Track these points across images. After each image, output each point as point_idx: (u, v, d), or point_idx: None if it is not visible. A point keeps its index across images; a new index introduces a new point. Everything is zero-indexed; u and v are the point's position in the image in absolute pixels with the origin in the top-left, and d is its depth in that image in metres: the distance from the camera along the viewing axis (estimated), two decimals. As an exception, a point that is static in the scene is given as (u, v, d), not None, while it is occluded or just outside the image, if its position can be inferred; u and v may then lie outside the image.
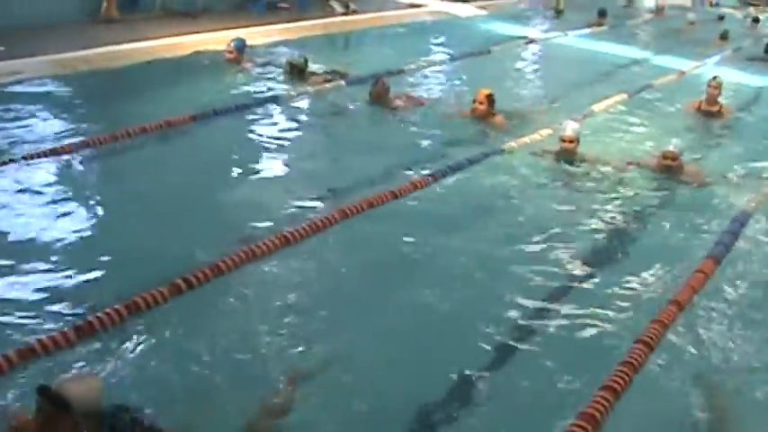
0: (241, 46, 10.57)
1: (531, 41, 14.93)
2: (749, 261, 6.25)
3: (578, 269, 5.82)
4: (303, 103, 9.43)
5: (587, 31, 16.72)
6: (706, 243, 6.38)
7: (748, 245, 6.51)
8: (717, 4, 23.15)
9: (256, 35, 12.37)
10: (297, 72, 10.17)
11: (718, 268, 5.97)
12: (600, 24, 18.18)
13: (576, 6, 20.11)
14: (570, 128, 8.27)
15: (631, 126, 9.80)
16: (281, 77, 10.20)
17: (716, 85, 10.35)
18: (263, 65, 10.68)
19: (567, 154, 8.07)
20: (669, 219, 6.97)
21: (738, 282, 5.90)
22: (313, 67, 10.51)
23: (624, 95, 11.06)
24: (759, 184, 7.95)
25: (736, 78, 13.85)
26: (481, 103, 8.96)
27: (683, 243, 6.47)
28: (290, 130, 8.48)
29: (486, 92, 9.02)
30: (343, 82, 10.18)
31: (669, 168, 7.83)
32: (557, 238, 6.29)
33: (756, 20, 21.97)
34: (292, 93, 9.56)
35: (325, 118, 9.10)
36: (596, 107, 10.32)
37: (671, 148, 7.92)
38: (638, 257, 6.15)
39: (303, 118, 8.99)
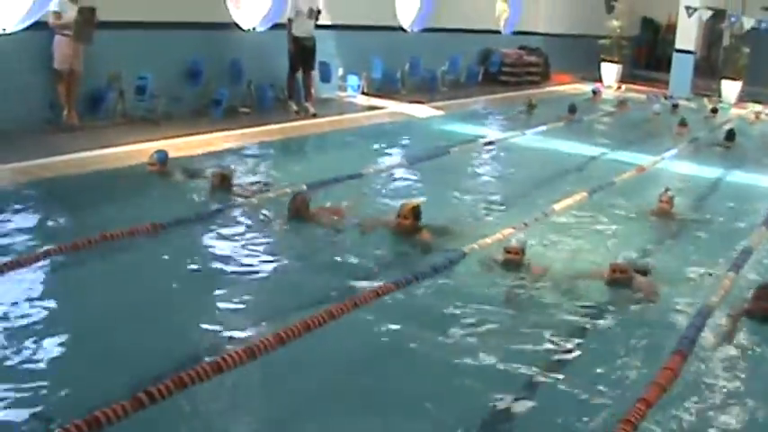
0: (164, 158, 10.97)
1: (490, 142, 15.99)
2: (715, 354, 6.97)
3: (536, 378, 6.28)
4: (226, 217, 9.59)
5: (545, 128, 17.89)
6: (669, 343, 6.92)
7: (713, 339, 7.22)
8: (671, 97, 25.21)
9: (216, 140, 13.46)
10: (223, 184, 10.44)
11: (685, 363, 6.56)
12: (570, 119, 19.86)
13: (544, 102, 21.72)
14: (515, 238, 8.81)
15: (586, 230, 10.44)
16: (206, 190, 10.47)
17: (667, 200, 11.19)
18: (189, 176, 11.03)
19: (513, 264, 8.47)
20: (623, 327, 7.40)
21: (706, 375, 6.60)
22: (244, 177, 11.21)
23: (584, 194, 11.95)
24: (717, 282, 8.69)
25: (694, 170, 15.41)
26: (406, 217, 9.16)
27: (643, 345, 7.06)
28: (210, 246, 8.69)
29: (412, 205, 9.30)
30: (271, 194, 10.48)
31: (619, 281, 8.19)
32: (507, 350, 6.63)
33: (714, 110, 24.07)
34: (217, 206, 9.87)
35: (247, 234, 9.11)
36: (552, 209, 11.02)
37: (620, 260, 8.33)
38: (595, 364, 6.61)
39: (225, 232, 9.08)
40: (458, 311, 7.40)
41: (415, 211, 9.24)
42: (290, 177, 11.67)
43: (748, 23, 25.80)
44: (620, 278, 8.20)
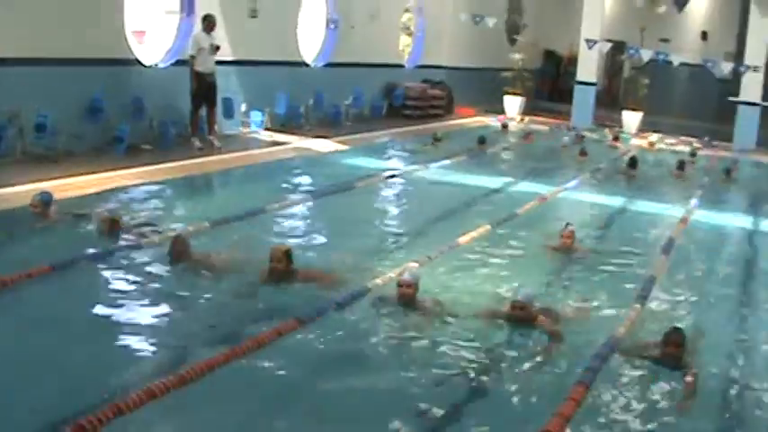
0: (48, 199, 10.61)
1: (394, 175, 16.20)
2: (619, 382, 7.19)
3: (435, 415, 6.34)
4: (110, 262, 9.29)
5: (450, 161, 18.22)
6: (572, 376, 7.08)
7: (618, 369, 7.46)
8: (574, 128, 25.93)
9: (117, 178, 13.37)
10: (111, 227, 10.15)
11: (587, 393, 6.75)
12: (481, 151, 20.37)
13: (450, 135, 22.17)
14: (408, 272, 8.78)
15: (489, 264, 10.52)
16: (93, 233, 10.20)
17: (568, 235, 11.35)
18: (77, 218, 10.76)
19: (406, 300, 8.36)
20: (523, 363, 7.46)
21: (611, 404, 6.81)
22: (138, 218, 11.06)
23: (487, 227, 12.16)
24: (620, 313, 8.92)
25: (596, 199, 15.93)
26: (279, 261, 8.91)
27: (547, 380, 7.19)
28: (93, 292, 8.48)
29: (284, 249, 9.06)
30: (156, 238, 10.17)
31: (519, 318, 8.20)
32: (400, 392, 6.65)
33: (616, 139, 24.90)
34: (100, 250, 9.50)
35: (130, 278, 8.81)
36: (455, 243, 11.16)
37: (519, 297, 8.31)
38: (495, 400, 6.73)
39: (108, 277, 8.83)
40: (348, 352, 7.38)
41: (288, 255, 8.99)
42: (187, 216, 11.64)
43: (647, 55, 26.61)
44: (520, 315, 8.21)
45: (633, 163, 19.48)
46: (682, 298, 10.01)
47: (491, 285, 9.71)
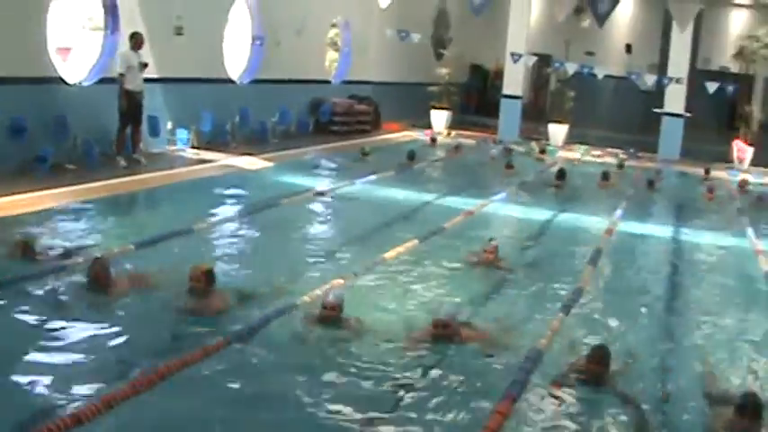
0: None
1: (321, 192, 16.15)
2: (545, 396, 7.27)
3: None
4: (20, 289, 8.86)
5: (377, 176, 18.25)
6: (498, 390, 7.13)
7: (542, 380, 7.53)
8: (501, 141, 26.27)
9: (40, 199, 13.08)
10: (25, 252, 9.85)
11: (515, 406, 6.86)
12: (410, 166, 20.57)
13: (378, 150, 22.29)
14: (332, 293, 8.72)
15: (415, 281, 10.51)
16: (6, 258, 9.84)
17: (491, 250, 11.39)
18: None
19: (330, 321, 8.34)
20: (448, 380, 7.43)
21: (537, 416, 6.92)
22: (57, 240, 10.78)
23: (414, 242, 12.25)
24: (545, 325, 9.03)
25: (523, 212, 16.18)
26: (198, 281, 8.70)
27: (472, 395, 7.18)
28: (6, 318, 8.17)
29: (204, 268, 8.84)
30: (75, 261, 9.84)
31: (442, 336, 8.15)
32: (325, 416, 6.58)
33: (543, 151, 25.32)
34: (12, 276, 9.17)
35: (42, 307, 8.38)
36: (381, 259, 11.22)
37: (441, 315, 8.29)
38: (421, 419, 6.71)
39: (17, 306, 8.38)
40: (267, 373, 7.30)
41: (209, 275, 8.78)
42: (111, 238, 11.48)
43: (572, 68, 27.13)
44: (443, 333, 8.17)
45: (561, 174, 19.85)
46: (609, 308, 10.19)
47: (415, 302, 9.69)
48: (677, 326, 9.93)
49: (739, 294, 11.53)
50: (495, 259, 11.44)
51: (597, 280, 11.46)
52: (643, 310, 10.39)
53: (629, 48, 36.59)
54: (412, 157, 21.24)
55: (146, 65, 16.87)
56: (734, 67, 31.92)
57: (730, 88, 26.69)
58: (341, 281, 9.92)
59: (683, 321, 10.14)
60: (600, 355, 7.60)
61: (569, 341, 8.74)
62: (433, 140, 25.94)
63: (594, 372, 7.52)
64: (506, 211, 16.26)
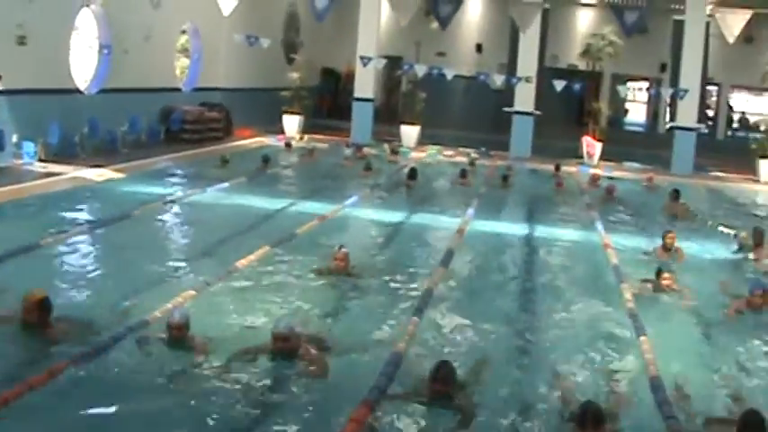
0: None
1: (172, 201, 16.06)
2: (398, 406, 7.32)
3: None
4: None
5: (231, 183, 18.21)
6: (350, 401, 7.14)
7: (396, 388, 7.62)
8: (353, 144, 26.56)
9: None
10: None
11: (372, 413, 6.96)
12: (264, 170, 20.69)
13: (234, 157, 22.18)
14: (178, 312, 8.48)
15: (264, 291, 10.49)
16: None
17: (341, 257, 11.32)
18: None
19: (177, 340, 8.17)
20: (290, 398, 7.43)
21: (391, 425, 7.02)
22: None
23: (266, 249, 12.27)
24: (397, 330, 9.20)
25: (376, 215, 16.44)
26: (30, 312, 8.26)
27: (324, 405, 7.27)
28: None
29: (38, 297, 8.33)
30: None
31: (283, 350, 7.91)
32: None
33: (395, 152, 25.67)
34: None
35: None
36: (232, 268, 11.22)
37: (281, 327, 8.00)
38: None
39: None
40: (115, 400, 7.11)
41: (44, 305, 8.31)
42: None
43: (421, 70, 27.53)
44: (283, 347, 7.95)
45: (413, 174, 20.28)
46: (461, 309, 10.43)
47: (265, 314, 9.62)
48: (529, 326, 10.25)
49: (589, 290, 11.92)
50: (346, 266, 11.43)
51: (449, 281, 11.72)
52: (495, 309, 10.69)
53: (479, 47, 37.45)
54: (266, 162, 21.33)
55: None
56: (582, 65, 32.91)
57: (577, 86, 27.54)
58: (192, 292, 9.90)
59: (535, 320, 10.50)
60: (443, 374, 7.46)
61: (422, 346, 8.94)
62: (288, 145, 26.02)
63: (439, 391, 7.38)
64: (360, 214, 16.47)
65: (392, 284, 11.36)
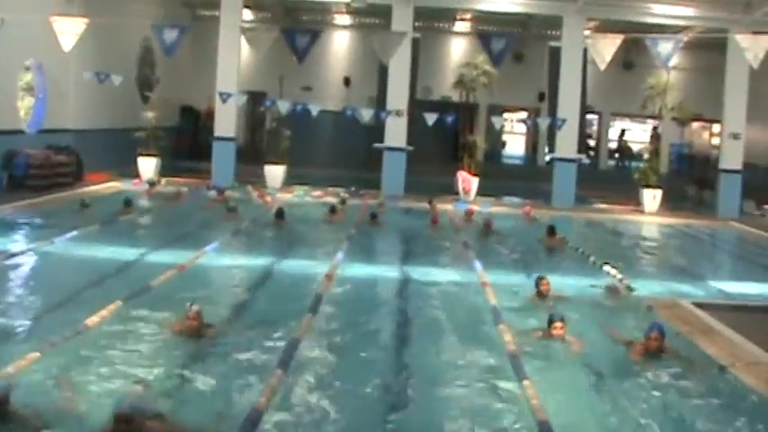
0: None
1: (13, 255, 15.43)
2: None
3: None
4: None
5: (78, 233, 17.64)
6: None
7: None
8: (214, 187, 26.24)
9: None
10: None
11: None
12: (128, 213, 20.49)
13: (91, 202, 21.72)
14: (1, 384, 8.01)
15: (111, 352, 10.10)
16: None
17: (194, 317, 10.80)
18: None
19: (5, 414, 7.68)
20: None
21: None
22: None
23: (118, 305, 11.81)
24: (263, 385, 9.02)
25: (239, 261, 16.20)
26: None
27: None
28: None
29: None
30: None
31: (126, 429, 7.40)
32: None
33: (262, 194, 25.52)
34: None
35: None
36: (79, 326, 10.74)
37: (123, 407, 7.46)
38: None
39: None
40: None
41: None
42: None
43: (284, 107, 27.32)
44: (125, 429, 7.37)
45: (280, 214, 20.36)
46: (329, 362, 10.28)
47: (109, 383, 9.15)
48: (405, 376, 10.10)
49: (468, 333, 11.90)
50: (199, 326, 10.88)
51: (317, 331, 11.51)
52: (366, 358, 10.57)
53: (347, 81, 37.68)
54: (128, 205, 21.08)
55: None
56: (456, 96, 33.26)
57: (450, 118, 27.78)
58: (36, 354, 9.52)
59: (411, 368, 10.38)
60: None
61: (287, 403, 8.77)
62: (147, 189, 25.60)
63: None
64: (222, 261, 16.11)
65: (253, 340, 11.01)
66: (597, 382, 10.21)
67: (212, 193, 24.88)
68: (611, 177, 36.38)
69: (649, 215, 27.21)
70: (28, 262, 15.37)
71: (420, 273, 15.90)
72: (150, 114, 29.40)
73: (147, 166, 28.58)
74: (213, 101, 29.14)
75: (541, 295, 13.72)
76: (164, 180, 28.04)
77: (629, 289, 15.03)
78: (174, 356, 10.34)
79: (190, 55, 33.20)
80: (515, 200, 28.07)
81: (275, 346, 10.65)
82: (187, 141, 35.54)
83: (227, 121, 28.15)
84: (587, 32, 28.02)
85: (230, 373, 9.80)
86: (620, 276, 15.83)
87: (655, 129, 40.45)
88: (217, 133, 28.30)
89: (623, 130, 42.61)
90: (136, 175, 28.15)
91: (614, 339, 11.87)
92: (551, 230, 20.15)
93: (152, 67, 33.36)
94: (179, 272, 14.64)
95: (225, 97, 27.08)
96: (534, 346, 11.30)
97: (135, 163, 28.46)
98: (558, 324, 11.48)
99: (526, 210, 25.15)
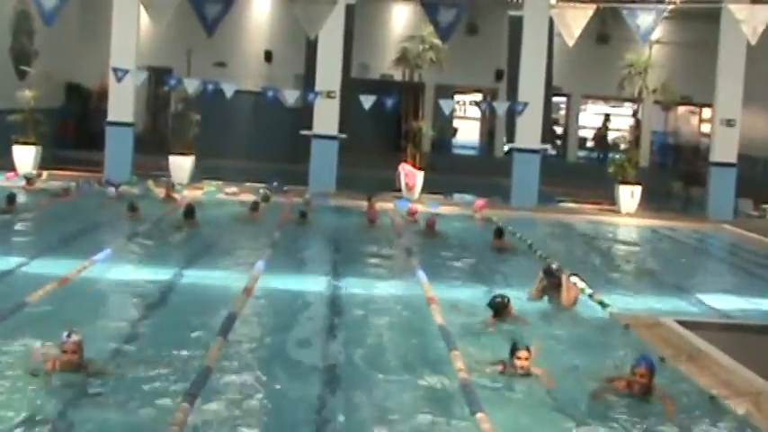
0: None
1: None
2: None
3: None
4: None
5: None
6: None
7: None
8: (108, 182, 25.89)
9: None
10: None
11: None
12: (10, 212, 20.37)
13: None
14: None
15: None
16: None
17: (73, 349, 10.12)
18: None
19: None
20: None
21: None
22: None
23: None
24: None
25: (137, 272, 16.04)
26: None
27: None
28: None
29: None
30: None
31: None
32: None
33: (169, 190, 25.19)
34: None
35: None
36: None
37: None
38: None
39: None
40: None
41: None
42: None
43: (192, 86, 27.08)
44: None
45: (190, 212, 20.36)
46: (246, 394, 10.14)
47: None
48: (335, 418, 9.84)
49: (412, 359, 11.87)
50: (80, 359, 10.26)
51: (232, 359, 11.30)
52: (289, 394, 10.37)
53: (268, 56, 37.51)
54: (11, 202, 20.96)
55: None
56: (398, 75, 33.19)
57: (391, 101, 27.72)
58: None
59: (345, 402, 10.25)
60: None
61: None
62: (24, 184, 25.19)
63: None
64: (115, 273, 15.86)
65: (152, 369, 10.68)
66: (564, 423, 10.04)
67: (111, 190, 24.54)
68: (582, 171, 36.65)
69: (627, 216, 27.39)
70: None
71: (356, 286, 15.87)
72: (28, 93, 28.65)
73: (25, 156, 28.00)
74: (106, 78, 28.83)
75: (500, 315, 13.61)
76: (45, 173, 27.50)
77: (602, 304, 15.01)
78: (46, 401, 9.70)
79: (78, 22, 32.74)
80: (468, 197, 27.92)
81: (178, 384, 10.28)
82: (74, 127, 35.12)
83: (123, 103, 27.81)
84: (553, 1, 27.91)
85: (120, 422, 9.36)
86: (589, 290, 15.81)
87: (634, 114, 40.66)
88: (111, 117, 27.98)
89: (607, 116, 42.76)
90: (10, 167, 27.59)
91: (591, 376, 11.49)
92: (499, 232, 20.55)
93: (30, 36, 32.72)
94: (60, 286, 14.32)
95: (120, 74, 26.73)
96: (493, 381, 11.06)
97: (9, 153, 27.92)
98: (523, 353, 11.04)
99: (479, 205, 25.16)
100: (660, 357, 12.03)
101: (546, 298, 15.08)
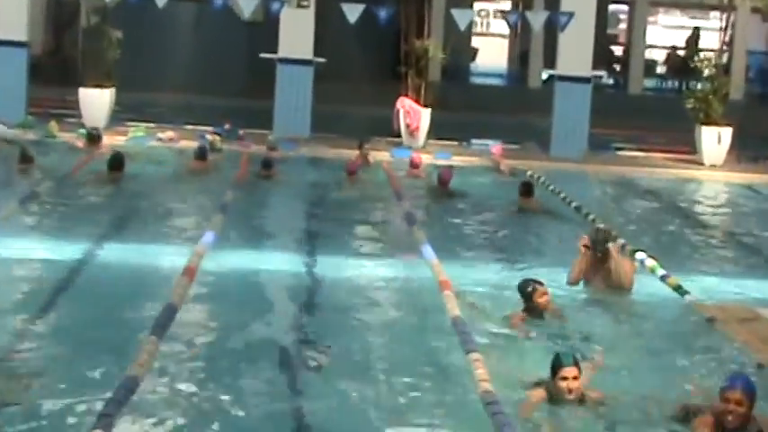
0: None
1: None
2: None
3: None
4: None
5: None
6: None
7: None
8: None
9: None
10: None
11: None
12: None
13: None
14: None
15: None
16: None
17: None
18: None
19: None
20: None
21: None
22: None
23: None
24: None
25: (30, 248, 16.22)
26: None
27: None
28: None
29: None
30: None
31: None
32: None
33: (92, 137, 25.26)
34: None
35: None
36: None
37: None
38: None
39: None
40: None
41: None
42: None
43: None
44: None
45: (117, 163, 20.75)
46: (186, 413, 10.16)
47: None
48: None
49: (419, 366, 11.79)
50: None
51: (169, 364, 11.38)
52: (245, 412, 10.36)
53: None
54: None
55: None
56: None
57: (385, 12, 27.67)
58: None
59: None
60: None
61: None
62: None
63: None
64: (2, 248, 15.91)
65: (64, 381, 10.73)
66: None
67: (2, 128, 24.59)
68: (650, 108, 36.58)
69: (712, 169, 27.32)
70: None
71: (337, 267, 15.90)
72: None
73: None
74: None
75: (535, 312, 13.49)
76: None
77: (678, 290, 14.98)
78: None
79: None
80: (491, 144, 27.86)
81: (97, 391, 10.34)
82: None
83: (13, 15, 27.72)
84: None
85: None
86: (661, 271, 15.81)
87: (723, 28, 40.54)
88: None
89: (696, 29, 42.49)
90: None
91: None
92: (527, 188, 20.65)
93: None
94: None
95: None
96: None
97: None
98: (571, 371, 10.40)
99: (496, 150, 25.25)
100: (758, 364, 11.91)
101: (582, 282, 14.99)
